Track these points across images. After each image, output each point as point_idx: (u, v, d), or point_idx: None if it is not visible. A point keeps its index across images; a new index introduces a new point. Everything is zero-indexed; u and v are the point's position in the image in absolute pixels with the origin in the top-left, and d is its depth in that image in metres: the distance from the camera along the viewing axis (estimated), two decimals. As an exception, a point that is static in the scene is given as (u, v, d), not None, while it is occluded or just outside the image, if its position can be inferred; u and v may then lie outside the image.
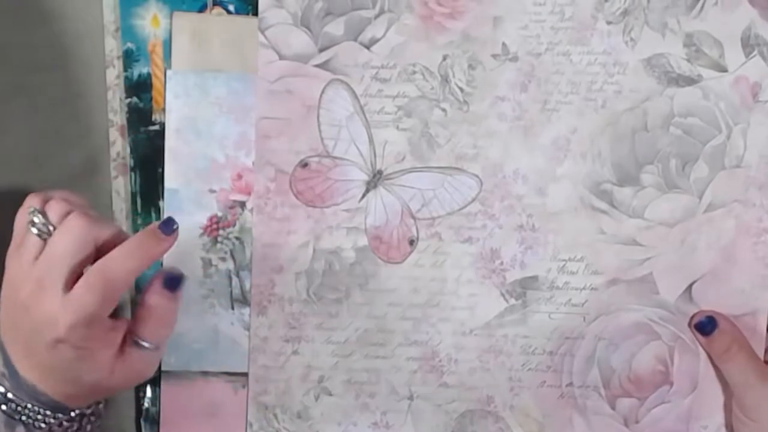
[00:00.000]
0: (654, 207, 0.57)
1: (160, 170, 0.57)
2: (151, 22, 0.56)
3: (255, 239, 0.57)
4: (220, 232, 0.57)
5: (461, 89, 0.56)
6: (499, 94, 0.56)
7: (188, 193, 0.57)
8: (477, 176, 0.57)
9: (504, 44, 0.56)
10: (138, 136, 0.57)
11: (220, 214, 0.57)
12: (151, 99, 0.57)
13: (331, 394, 0.58)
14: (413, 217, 0.57)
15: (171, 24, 0.55)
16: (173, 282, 0.50)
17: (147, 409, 0.59)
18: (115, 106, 0.57)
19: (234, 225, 0.57)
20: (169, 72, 0.56)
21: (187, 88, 0.56)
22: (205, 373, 0.59)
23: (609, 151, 0.56)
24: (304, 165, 0.56)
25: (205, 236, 0.58)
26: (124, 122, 0.57)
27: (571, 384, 0.58)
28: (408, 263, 0.57)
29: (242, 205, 0.57)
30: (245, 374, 0.58)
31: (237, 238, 0.58)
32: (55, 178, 0.57)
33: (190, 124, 0.56)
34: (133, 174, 0.57)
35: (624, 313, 0.58)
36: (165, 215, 0.57)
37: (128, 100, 0.57)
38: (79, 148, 0.58)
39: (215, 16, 0.56)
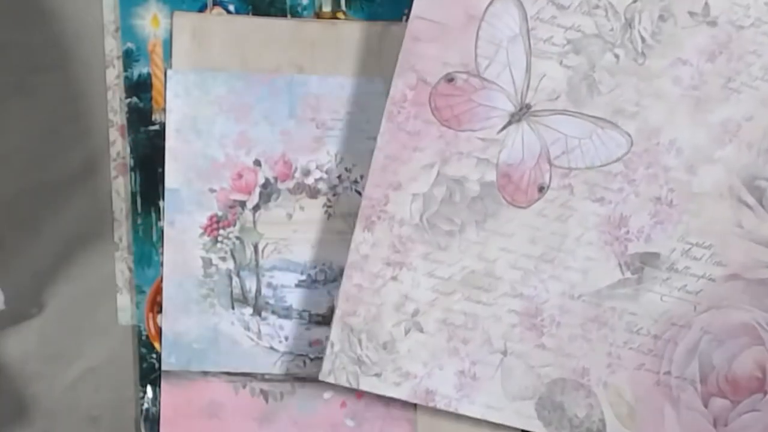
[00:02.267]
0: None
1: (160, 170, 0.57)
2: (151, 22, 0.56)
3: (378, 148, 0.53)
4: (220, 231, 0.58)
5: (643, 39, 0.52)
6: (682, 56, 0.52)
7: (188, 192, 0.57)
8: (629, 135, 0.53)
9: (706, 4, 0.52)
10: (138, 136, 0.57)
11: (220, 213, 0.57)
12: (151, 99, 0.57)
13: (422, 331, 0.55)
14: (550, 163, 0.53)
15: (171, 24, 0.56)
16: None
17: (147, 409, 0.59)
18: (115, 106, 0.57)
19: (234, 225, 0.57)
20: (169, 72, 0.56)
21: (187, 87, 0.56)
22: (205, 373, 0.59)
23: None
24: (450, 80, 0.52)
25: (205, 236, 0.58)
26: (124, 122, 0.57)
27: (669, 372, 0.56)
28: (532, 210, 0.54)
29: (242, 204, 0.57)
30: (245, 374, 0.58)
31: (237, 238, 0.58)
32: (55, 178, 0.57)
33: (191, 123, 0.56)
34: (133, 174, 0.57)
35: (734, 311, 0.55)
36: (165, 215, 0.57)
37: (128, 100, 0.57)
38: (79, 148, 0.58)
39: (215, 16, 0.56)
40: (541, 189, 0.54)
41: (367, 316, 0.55)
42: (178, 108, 0.56)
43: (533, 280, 0.55)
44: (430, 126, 0.53)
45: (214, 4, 0.56)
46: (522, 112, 0.53)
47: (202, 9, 0.56)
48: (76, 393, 0.60)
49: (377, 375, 0.55)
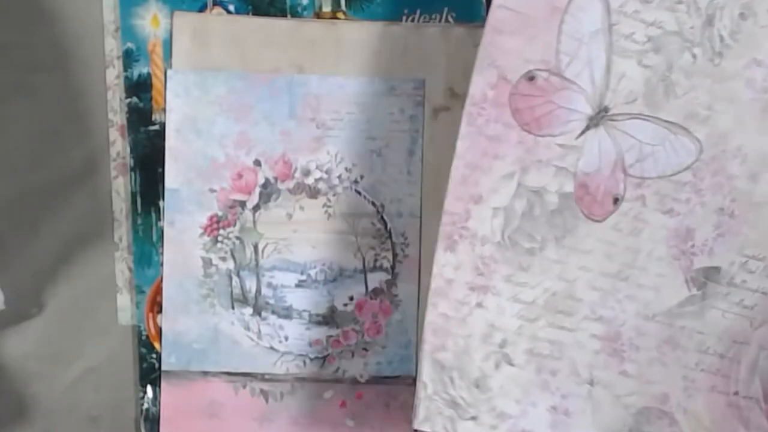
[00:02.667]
0: None
1: (160, 170, 0.57)
2: (151, 22, 0.56)
3: (457, 155, 0.48)
4: (221, 231, 0.57)
5: (721, 38, 0.48)
6: (758, 56, 0.49)
7: (188, 192, 0.57)
8: (699, 142, 0.49)
9: None
10: (138, 136, 0.57)
11: (220, 213, 0.57)
12: (151, 99, 0.57)
13: (512, 364, 0.50)
14: (624, 172, 0.49)
15: (171, 24, 0.56)
16: None
17: (147, 409, 0.59)
18: (115, 106, 0.57)
19: (234, 225, 0.57)
20: (169, 72, 0.56)
21: (187, 87, 0.56)
22: (205, 373, 0.59)
23: None
24: (531, 78, 0.48)
25: (205, 236, 0.58)
26: (124, 122, 0.57)
27: (737, 393, 0.52)
28: (607, 224, 0.50)
29: (242, 204, 0.57)
30: (245, 374, 0.58)
31: (237, 238, 0.58)
32: (55, 178, 0.57)
33: (191, 123, 0.56)
34: (133, 174, 0.57)
35: None
36: (165, 215, 0.57)
37: (128, 100, 0.57)
38: (79, 148, 0.58)
39: (215, 16, 0.56)
40: (616, 200, 0.50)
41: (456, 350, 0.50)
42: (178, 108, 0.56)
43: (610, 300, 0.51)
44: (510, 130, 0.48)
45: (214, 4, 0.56)
46: (600, 116, 0.49)
47: (202, 9, 0.56)
48: (76, 393, 0.60)
49: (473, 418, 0.51)
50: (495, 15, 0.47)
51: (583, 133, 0.49)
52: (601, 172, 0.49)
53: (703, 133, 0.50)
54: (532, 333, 0.50)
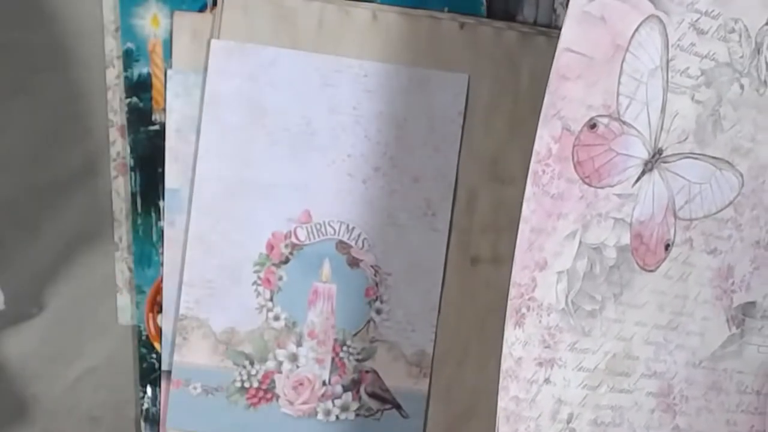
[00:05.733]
0: None
1: (160, 170, 0.57)
2: (151, 22, 0.56)
3: (523, 219, 0.43)
4: (221, 231, 0.57)
5: (767, 66, 0.46)
6: None
7: (188, 192, 0.57)
8: (741, 176, 0.48)
9: None
10: (138, 136, 0.57)
11: (220, 213, 0.57)
12: (151, 99, 0.57)
13: None
14: (675, 215, 0.47)
15: (171, 24, 0.56)
16: None
17: (147, 409, 0.59)
18: (115, 106, 0.57)
19: (234, 225, 0.57)
20: (169, 72, 0.56)
21: (187, 87, 0.56)
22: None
23: None
24: (592, 126, 0.44)
25: (205, 236, 0.58)
26: (124, 122, 0.57)
27: None
28: (659, 273, 0.47)
29: (242, 204, 0.57)
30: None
31: (237, 238, 0.58)
32: (55, 178, 0.57)
33: (191, 123, 0.56)
34: (133, 174, 0.57)
35: None
36: (165, 215, 0.57)
37: (128, 100, 0.57)
38: (79, 148, 0.58)
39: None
40: (667, 247, 0.47)
41: None
42: (178, 108, 0.56)
43: (663, 353, 0.49)
44: (573, 185, 0.44)
45: (214, 4, 0.56)
46: (654, 159, 0.46)
47: (202, 9, 0.56)
48: (76, 393, 0.60)
49: None
50: (561, 60, 0.43)
51: (638, 179, 0.46)
52: (654, 218, 0.47)
53: (745, 166, 0.48)
54: (596, 402, 0.48)
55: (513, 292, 0.44)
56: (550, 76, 0.43)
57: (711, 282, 0.49)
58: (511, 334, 0.44)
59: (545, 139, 0.43)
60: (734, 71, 0.46)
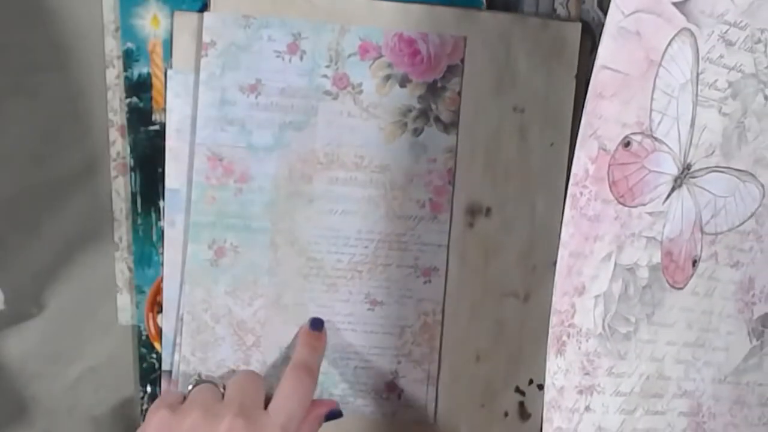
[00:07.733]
0: None
1: (160, 170, 0.57)
2: (152, 22, 0.56)
3: (562, 244, 0.43)
4: (221, 231, 0.57)
5: None
6: None
7: (188, 192, 0.57)
8: (763, 187, 0.47)
9: None
10: (138, 136, 0.57)
11: (220, 213, 0.57)
12: (151, 99, 0.57)
13: None
14: (702, 231, 0.47)
15: (172, 24, 0.55)
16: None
17: (147, 409, 0.59)
18: (115, 106, 0.57)
19: (234, 225, 0.57)
20: (169, 72, 0.56)
21: (187, 87, 0.56)
22: (205, 373, 0.59)
23: None
24: (627, 144, 0.43)
25: (205, 236, 0.58)
26: (124, 122, 0.57)
27: None
28: (687, 290, 0.47)
29: (242, 204, 0.57)
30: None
31: (237, 238, 0.58)
32: (55, 178, 0.57)
33: (191, 123, 0.56)
34: (133, 174, 0.57)
35: None
36: (165, 215, 0.57)
37: (128, 100, 0.57)
38: (79, 148, 0.58)
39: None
40: (695, 263, 0.47)
41: None
42: (178, 108, 0.56)
43: (692, 371, 0.49)
44: (608, 206, 0.44)
45: (214, 4, 0.56)
46: (683, 175, 0.45)
47: (202, 9, 0.56)
48: (76, 393, 0.60)
49: None
50: (598, 78, 0.42)
51: (668, 196, 0.45)
52: (682, 235, 0.46)
53: (766, 176, 0.48)
54: (632, 426, 0.47)
55: (554, 319, 0.43)
56: (588, 96, 0.42)
57: (734, 295, 0.49)
58: (553, 363, 0.44)
59: (582, 160, 0.43)
60: (759, 82, 0.46)
